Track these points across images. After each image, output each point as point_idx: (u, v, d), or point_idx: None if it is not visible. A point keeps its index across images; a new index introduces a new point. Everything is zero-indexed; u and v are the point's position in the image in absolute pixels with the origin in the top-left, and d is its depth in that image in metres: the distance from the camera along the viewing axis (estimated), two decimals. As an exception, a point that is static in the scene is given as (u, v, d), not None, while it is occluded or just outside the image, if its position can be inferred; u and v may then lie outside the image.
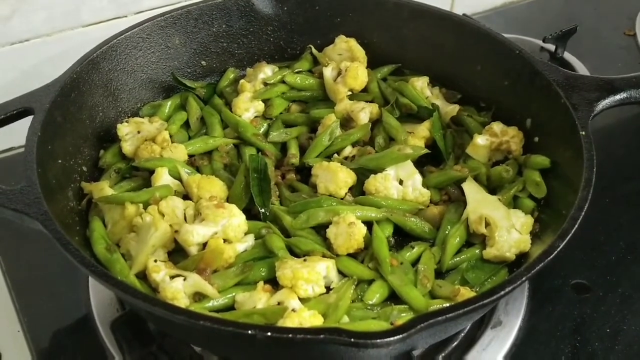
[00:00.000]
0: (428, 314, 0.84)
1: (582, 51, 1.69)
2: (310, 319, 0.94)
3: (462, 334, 1.10)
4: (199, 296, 1.02)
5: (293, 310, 0.95)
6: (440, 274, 1.10)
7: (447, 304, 1.01)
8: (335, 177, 1.18)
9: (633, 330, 1.13)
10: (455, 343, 1.09)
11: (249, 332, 0.82)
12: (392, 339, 0.80)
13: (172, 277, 1.01)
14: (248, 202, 1.17)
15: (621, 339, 1.12)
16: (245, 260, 1.08)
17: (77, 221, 1.13)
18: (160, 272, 1.02)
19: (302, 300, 1.01)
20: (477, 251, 1.12)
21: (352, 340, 0.79)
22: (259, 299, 1.00)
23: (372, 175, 1.19)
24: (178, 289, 1.00)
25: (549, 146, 1.20)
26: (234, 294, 1.03)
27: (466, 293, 1.03)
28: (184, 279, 1.01)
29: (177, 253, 1.10)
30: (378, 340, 0.80)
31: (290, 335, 0.82)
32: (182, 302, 1.00)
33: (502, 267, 1.10)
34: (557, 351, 1.11)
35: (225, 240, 1.08)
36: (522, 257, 1.10)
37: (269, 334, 0.81)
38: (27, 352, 1.12)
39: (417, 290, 1.04)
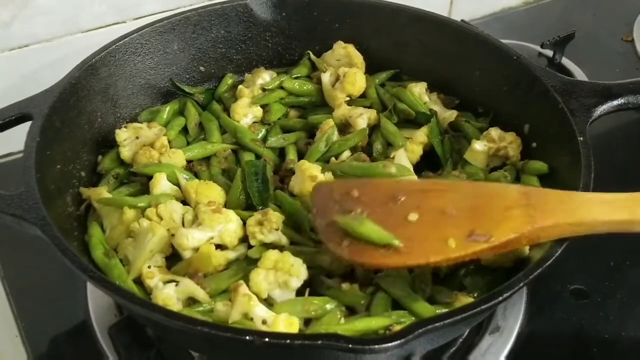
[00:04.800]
0: (426, 319, 0.84)
1: (580, 57, 1.70)
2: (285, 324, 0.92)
3: (460, 340, 1.10)
4: (191, 301, 1.02)
5: (264, 322, 0.93)
6: (438, 280, 1.10)
7: (446, 310, 1.01)
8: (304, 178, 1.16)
9: (632, 336, 1.13)
10: (454, 349, 1.09)
11: (247, 337, 0.81)
12: (390, 344, 0.79)
13: (166, 283, 1.01)
14: (246, 207, 1.17)
15: (620, 345, 1.12)
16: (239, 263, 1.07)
17: (76, 226, 1.12)
18: (154, 277, 1.02)
19: (270, 306, 0.98)
20: (475, 257, 1.12)
21: (350, 346, 0.79)
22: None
23: None
24: (169, 296, 0.99)
25: (547, 152, 1.20)
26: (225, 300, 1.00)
27: (464, 299, 1.02)
28: (176, 284, 1.01)
29: (175, 258, 1.09)
30: (376, 346, 0.79)
31: (287, 341, 0.82)
32: (174, 308, 0.99)
33: (500, 273, 1.10)
34: (555, 357, 1.11)
35: (221, 246, 1.08)
36: (520, 262, 1.10)
37: (266, 339, 0.81)
38: (25, 357, 1.11)
39: (421, 300, 1.02)
